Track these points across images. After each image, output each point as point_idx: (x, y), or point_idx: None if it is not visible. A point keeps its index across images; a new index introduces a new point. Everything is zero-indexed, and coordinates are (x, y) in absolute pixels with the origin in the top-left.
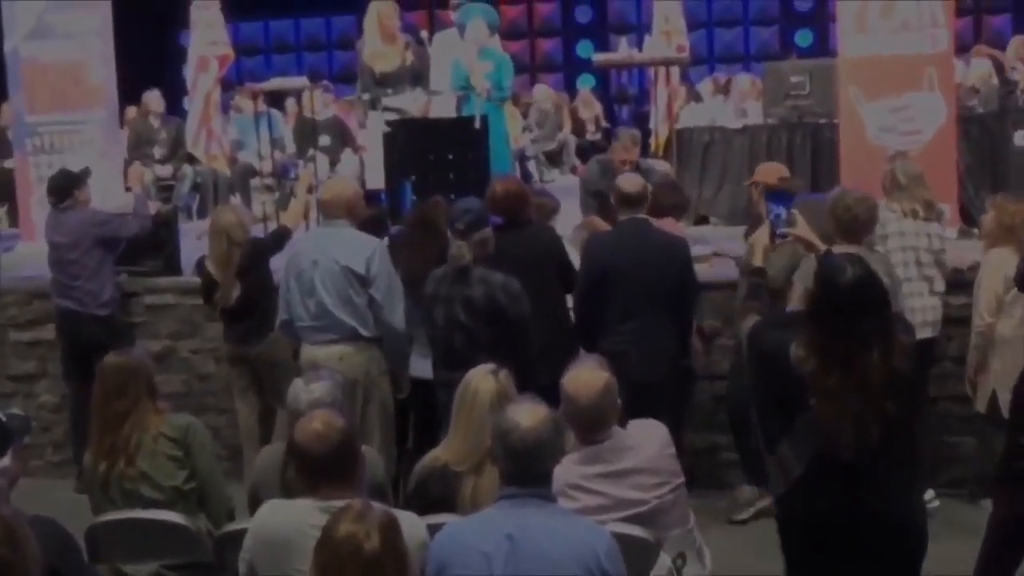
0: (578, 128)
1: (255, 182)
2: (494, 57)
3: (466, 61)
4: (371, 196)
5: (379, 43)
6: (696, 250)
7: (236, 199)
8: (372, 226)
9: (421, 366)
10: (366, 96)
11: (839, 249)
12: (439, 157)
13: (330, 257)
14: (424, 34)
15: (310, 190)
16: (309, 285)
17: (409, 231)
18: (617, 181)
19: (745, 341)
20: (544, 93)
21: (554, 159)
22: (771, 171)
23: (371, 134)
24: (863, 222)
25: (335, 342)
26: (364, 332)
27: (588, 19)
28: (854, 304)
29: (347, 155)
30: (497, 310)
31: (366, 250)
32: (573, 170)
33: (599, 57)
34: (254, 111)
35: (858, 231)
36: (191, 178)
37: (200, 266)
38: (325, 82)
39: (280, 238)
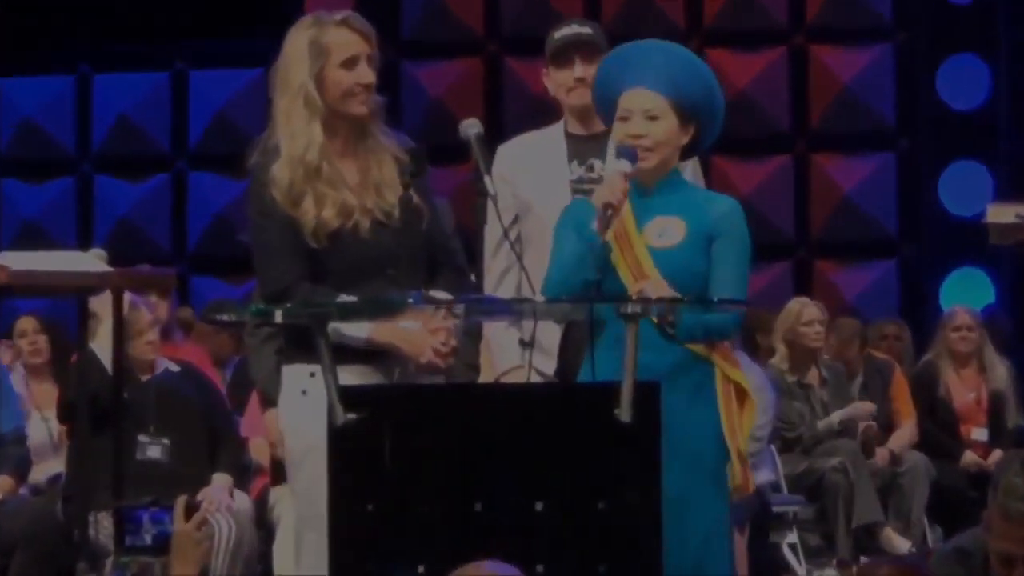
0: (945, 435)
1: None
2: (695, 207)
3: (602, 207)
4: None
5: (317, 140)
6: None
7: None
8: None
9: None
10: (279, 313)
11: None
12: (505, 507)
13: None
14: (472, 129)
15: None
16: None
17: None
18: None
19: None
20: (846, 330)
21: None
22: None
23: (292, 425)
24: None
25: None
26: None
27: (978, 99)
28: None
29: (217, 487)
30: None
31: None
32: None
33: (999, 211)
34: None
35: None
36: None
37: None
38: (144, 267)
39: None
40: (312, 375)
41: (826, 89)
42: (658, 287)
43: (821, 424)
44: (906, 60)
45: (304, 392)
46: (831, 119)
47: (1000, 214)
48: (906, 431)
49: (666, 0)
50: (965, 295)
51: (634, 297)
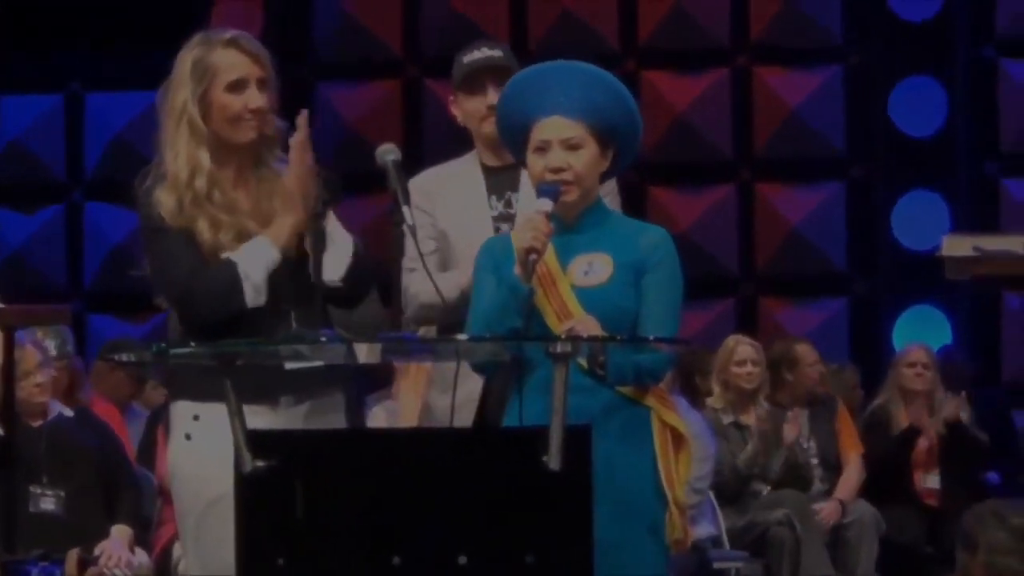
0: (898, 484)
1: None
2: (621, 240)
3: (524, 252)
4: None
5: (204, 165)
6: None
7: None
8: None
9: None
10: (183, 353)
11: None
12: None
13: None
14: (389, 155)
15: None
16: None
17: None
18: None
19: None
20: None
21: None
22: None
23: (178, 473)
24: None
25: None
26: None
27: (935, 124)
28: None
29: (116, 540)
30: None
31: None
32: None
33: (955, 243)
34: None
35: None
36: None
37: None
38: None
39: None
40: (196, 418)
41: (772, 114)
42: (587, 325)
43: (741, 457)
44: (857, 83)
45: (188, 436)
46: (777, 146)
47: (956, 246)
48: (852, 472)
49: (598, 18)
50: (920, 334)
51: (562, 336)
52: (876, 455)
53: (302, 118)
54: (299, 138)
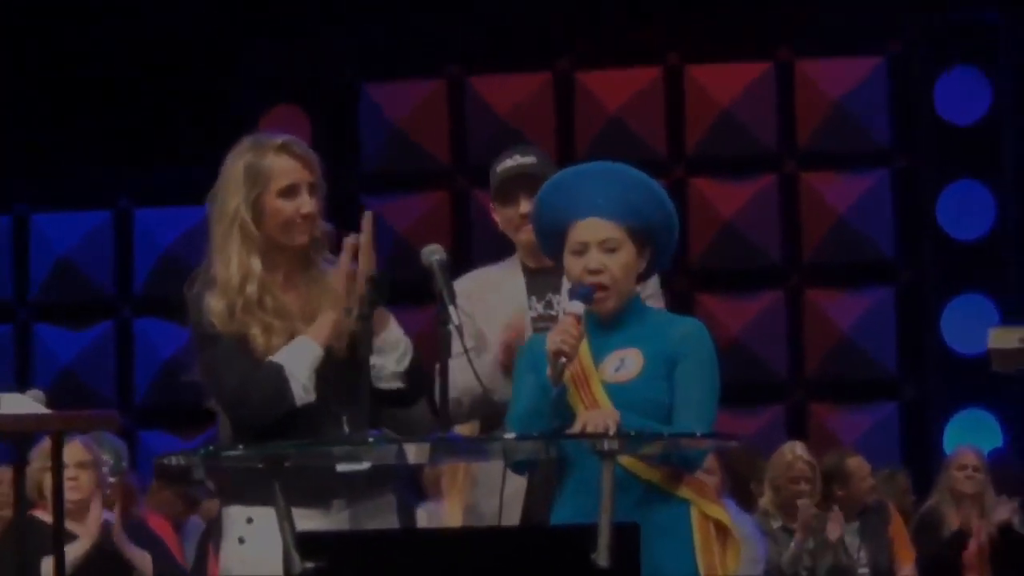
0: None
1: None
2: (653, 333)
3: (554, 356)
4: None
5: (255, 271)
6: None
7: None
8: None
9: None
10: (232, 457)
11: None
12: None
13: None
14: (435, 256)
15: None
16: None
17: None
18: None
19: None
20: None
21: None
22: None
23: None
24: None
25: None
26: None
27: (982, 228)
28: None
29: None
30: None
31: None
32: None
33: (1002, 335)
34: None
35: None
36: None
37: None
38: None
39: None
40: (249, 520)
41: (820, 219)
42: (602, 416)
43: (785, 558)
44: (905, 187)
45: (241, 540)
46: (826, 251)
47: (1003, 339)
48: None
49: (645, 126)
50: (971, 437)
51: (579, 430)
52: (927, 557)
53: (367, 220)
54: (364, 240)
